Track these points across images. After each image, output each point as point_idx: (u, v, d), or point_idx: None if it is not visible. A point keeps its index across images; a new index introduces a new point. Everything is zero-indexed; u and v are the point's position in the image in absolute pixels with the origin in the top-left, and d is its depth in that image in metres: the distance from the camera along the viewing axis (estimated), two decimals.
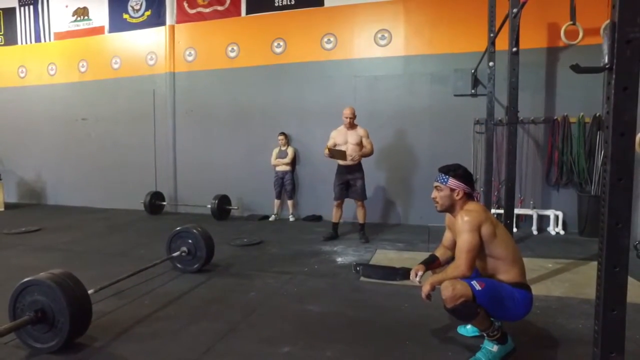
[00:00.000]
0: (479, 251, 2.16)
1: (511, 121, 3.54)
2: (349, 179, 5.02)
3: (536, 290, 3.21)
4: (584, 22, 4.75)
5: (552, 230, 5.60)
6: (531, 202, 5.78)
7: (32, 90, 8.74)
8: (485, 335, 2.15)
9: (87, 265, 3.98)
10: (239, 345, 2.40)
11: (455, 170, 2.28)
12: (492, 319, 2.12)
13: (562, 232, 5.56)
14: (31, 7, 8.62)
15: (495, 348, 2.13)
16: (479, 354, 2.16)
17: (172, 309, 2.95)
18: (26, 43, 8.78)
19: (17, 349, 2.31)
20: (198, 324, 2.69)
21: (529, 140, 5.83)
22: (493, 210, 5.68)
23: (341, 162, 5.01)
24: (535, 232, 5.59)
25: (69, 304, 2.21)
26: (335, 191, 5.12)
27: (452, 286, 2.02)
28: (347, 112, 5.01)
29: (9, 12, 8.81)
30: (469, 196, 2.29)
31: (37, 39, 8.66)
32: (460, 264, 2.12)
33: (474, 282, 2.06)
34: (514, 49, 3.39)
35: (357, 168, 5.00)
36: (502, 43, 4.17)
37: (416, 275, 2.34)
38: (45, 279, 2.25)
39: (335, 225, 5.26)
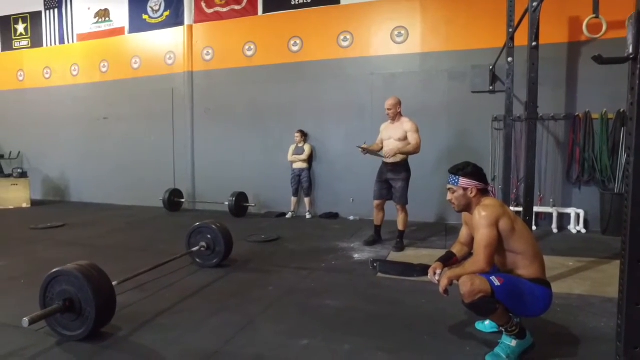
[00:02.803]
0: (498, 246, 2.15)
1: (530, 117, 3.49)
2: (389, 179, 4.51)
3: (557, 288, 3.17)
4: (608, 15, 4.63)
5: (573, 228, 5.50)
6: (551, 200, 5.68)
7: (56, 90, 9.00)
8: (503, 330, 2.14)
9: (110, 259, 4.08)
10: (259, 337, 2.44)
11: (465, 169, 2.27)
12: (510, 314, 2.11)
13: (583, 231, 5.45)
14: (56, 10, 8.88)
15: (513, 343, 2.12)
16: (497, 349, 2.14)
17: (192, 302, 3.01)
18: (51, 45, 9.04)
19: (48, 336, 2.40)
20: (218, 316, 2.74)
21: (549, 137, 5.73)
22: (512, 208, 5.59)
23: (384, 159, 4.57)
24: (555, 231, 5.50)
25: (95, 294, 2.28)
26: (374, 190, 4.66)
27: (470, 281, 2.02)
28: (386, 103, 4.47)
29: (36, 16, 9.09)
30: (483, 192, 2.28)
31: (61, 41, 8.91)
32: (478, 259, 2.11)
33: (492, 278, 2.05)
34: (534, 44, 3.34)
35: (400, 167, 4.44)
36: (521, 38, 4.12)
37: (435, 273, 2.33)
38: (72, 270, 2.33)
39: (377, 229, 4.78)
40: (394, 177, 4.49)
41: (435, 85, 6.22)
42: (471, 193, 2.25)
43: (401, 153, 4.33)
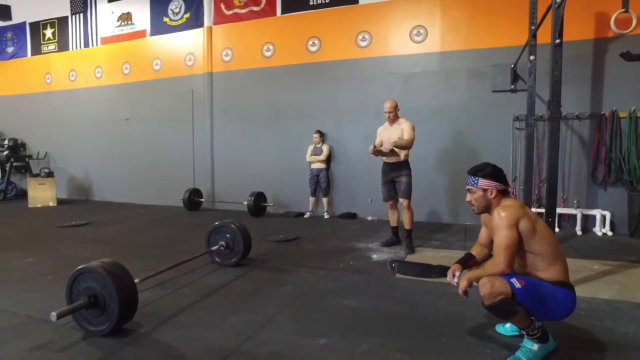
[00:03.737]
0: (518, 247, 2.11)
1: (553, 116, 3.41)
2: (394, 177, 4.57)
3: (580, 291, 3.09)
4: (638, 9, 4.47)
5: (598, 230, 5.34)
6: (575, 201, 5.54)
7: (81, 92, 9.27)
8: (525, 333, 2.10)
9: (132, 256, 4.17)
10: (277, 336, 2.46)
11: (484, 170, 2.24)
12: (532, 318, 2.07)
13: (609, 233, 5.29)
14: (81, 15, 9.15)
15: (535, 347, 2.07)
16: (518, 353, 2.10)
17: (211, 300, 3.05)
18: (76, 48, 9.32)
19: (74, 331, 2.48)
20: (237, 314, 2.77)
21: (573, 137, 5.59)
22: (533, 209, 5.48)
23: (384, 159, 4.63)
24: (579, 233, 5.35)
25: (118, 291, 2.34)
26: (382, 191, 4.70)
27: (490, 283, 1.98)
28: (386, 105, 4.55)
29: (62, 21, 9.40)
30: (503, 193, 2.24)
31: (86, 44, 9.18)
32: (499, 261, 2.07)
33: (513, 280, 2.01)
34: (557, 41, 3.26)
35: (401, 165, 4.52)
36: (544, 36, 4.02)
37: (454, 275, 2.29)
38: (97, 267, 2.39)
39: (394, 230, 4.79)
40: (397, 174, 4.54)
41: (455, 84, 6.14)
42: (491, 194, 2.21)
43: (396, 146, 4.35)
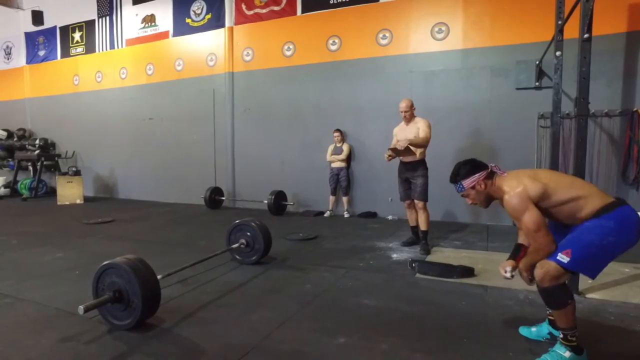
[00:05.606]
0: (544, 217, 2.03)
1: (581, 113, 3.30)
2: (409, 177, 4.51)
3: (611, 295, 3.01)
4: None
5: None
6: None
7: (107, 93, 9.53)
8: (561, 337, 2.02)
9: (155, 253, 4.26)
10: (296, 333, 2.46)
11: (459, 173, 2.24)
12: (575, 324, 1.99)
13: None
14: (107, 17, 9.40)
15: (567, 354, 1.99)
16: (547, 356, 2.03)
17: (232, 297, 3.09)
18: (102, 50, 9.58)
19: (100, 324, 2.56)
20: (257, 312, 2.80)
21: (602, 135, 5.40)
22: None
23: (401, 158, 4.55)
24: None
25: (141, 287, 2.40)
26: (399, 192, 4.67)
27: (541, 267, 1.96)
28: (401, 105, 4.50)
29: (90, 24, 9.69)
30: (491, 176, 2.20)
31: (112, 46, 9.43)
32: (539, 246, 2.00)
33: (559, 257, 1.92)
34: (586, 36, 3.15)
35: (417, 165, 4.45)
36: (572, 30, 3.90)
37: (505, 271, 2.22)
38: (121, 263, 2.46)
39: (414, 229, 4.73)
40: (413, 174, 4.47)
41: (478, 82, 6.02)
42: (481, 186, 2.19)
43: (411, 144, 4.26)
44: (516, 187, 2.06)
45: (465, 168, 2.22)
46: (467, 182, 2.20)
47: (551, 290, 1.93)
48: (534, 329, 2.37)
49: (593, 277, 1.98)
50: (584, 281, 3.11)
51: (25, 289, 3.27)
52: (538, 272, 1.96)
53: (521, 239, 2.37)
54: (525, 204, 2.01)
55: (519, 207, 2.02)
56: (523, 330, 2.40)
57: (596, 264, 1.94)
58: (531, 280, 2.07)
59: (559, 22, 4.40)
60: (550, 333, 2.30)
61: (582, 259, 1.91)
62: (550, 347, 2.12)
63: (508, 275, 2.19)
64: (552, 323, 2.30)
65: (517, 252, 2.31)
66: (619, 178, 5.34)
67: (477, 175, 2.18)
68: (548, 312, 2.31)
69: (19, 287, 3.32)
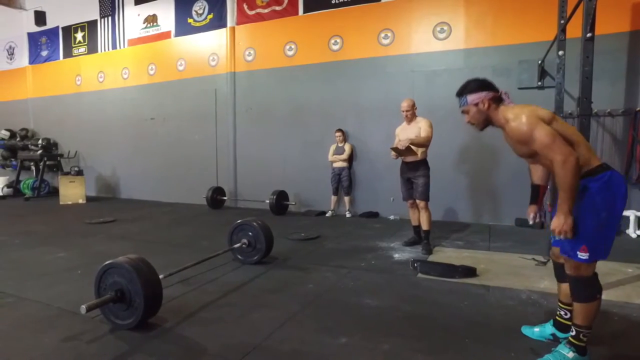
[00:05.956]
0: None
1: (584, 113, 3.29)
2: (410, 177, 4.52)
3: (613, 295, 3.00)
4: None
5: (632, 232, 5.13)
6: None
7: (109, 93, 9.55)
8: (573, 335, 2.00)
9: (156, 253, 4.26)
10: (298, 333, 2.46)
11: (468, 87, 2.14)
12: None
13: None
14: (109, 18, 9.42)
15: (570, 355, 1.97)
16: (549, 356, 2.02)
17: (234, 297, 3.09)
18: (105, 51, 9.60)
19: (102, 324, 2.56)
20: (258, 311, 2.80)
21: (604, 134, 5.38)
22: None
23: (402, 158, 4.57)
24: None
25: (143, 287, 2.40)
26: (402, 191, 4.67)
27: (570, 264, 1.98)
28: (403, 104, 4.51)
29: (92, 24, 9.71)
30: (497, 100, 2.11)
31: (114, 46, 9.44)
32: (559, 157, 1.80)
33: (579, 255, 1.91)
34: (589, 35, 3.15)
35: (418, 165, 4.46)
36: (574, 30, 3.88)
37: (530, 217, 2.26)
38: (123, 263, 2.46)
39: (416, 229, 4.74)
40: (414, 174, 4.48)
41: None
42: (484, 106, 2.09)
43: (412, 144, 4.29)
44: (521, 112, 1.98)
45: (475, 83, 2.13)
46: (471, 97, 2.11)
47: (581, 281, 1.93)
48: (536, 329, 2.35)
49: (607, 255, 1.96)
50: None
51: (28, 288, 3.28)
52: (567, 268, 2.00)
53: (535, 178, 2.32)
54: (535, 121, 1.91)
55: (528, 126, 1.91)
56: (525, 330, 2.39)
57: (608, 242, 1.94)
58: (569, 232, 1.89)
59: (562, 22, 4.39)
60: (553, 334, 2.28)
61: (597, 242, 1.90)
62: (553, 347, 2.11)
63: (531, 221, 2.22)
64: (557, 324, 2.29)
65: (537, 194, 2.28)
66: None
67: (484, 93, 2.09)
68: (558, 313, 2.30)
69: (21, 286, 3.32)
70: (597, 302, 1.94)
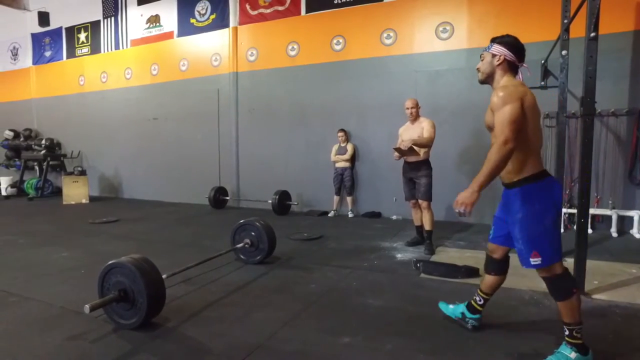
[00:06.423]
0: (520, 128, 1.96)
1: (587, 112, 3.27)
2: (413, 177, 4.53)
3: (618, 296, 2.99)
4: None
5: (636, 232, 5.11)
6: (610, 202, 5.31)
7: (112, 93, 9.58)
8: (567, 334, 2.00)
9: (159, 253, 4.28)
10: (301, 333, 2.46)
11: (503, 38, 2.15)
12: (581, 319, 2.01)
13: None
14: (112, 18, 9.45)
15: (573, 355, 1.97)
16: (552, 357, 2.01)
17: (236, 297, 3.09)
18: (108, 51, 9.63)
19: (106, 323, 2.57)
20: (261, 311, 2.80)
21: (608, 134, 5.36)
22: (565, 210, 5.30)
23: (405, 158, 4.57)
24: (614, 235, 5.13)
25: (146, 286, 2.41)
26: (404, 191, 4.68)
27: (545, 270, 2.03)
28: (407, 103, 4.53)
29: (95, 25, 9.74)
30: (511, 66, 2.12)
31: (117, 47, 9.47)
32: (502, 138, 1.87)
33: (532, 262, 1.99)
34: (592, 35, 3.13)
35: (421, 165, 4.46)
36: (578, 29, 3.87)
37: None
38: (126, 263, 2.47)
39: (418, 229, 4.73)
40: (417, 174, 4.48)
41: None
42: (498, 61, 2.11)
43: (415, 144, 4.30)
44: (512, 87, 2.00)
45: (510, 40, 2.12)
46: (496, 48, 2.12)
47: (553, 280, 1.99)
48: (451, 306, 2.54)
49: (560, 256, 2.03)
50: (590, 282, 3.10)
51: (32, 287, 3.29)
52: (538, 272, 2.05)
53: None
54: (513, 99, 1.93)
55: (505, 98, 1.94)
56: (442, 305, 2.60)
57: (555, 243, 2.01)
58: (468, 212, 1.94)
59: (565, 21, 4.38)
60: (462, 313, 2.47)
61: (548, 249, 1.97)
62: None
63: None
64: (469, 307, 2.45)
65: None
66: (626, 178, 5.30)
67: (507, 51, 2.10)
68: (474, 298, 2.46)
69: (25, 285, 3.34)
70: (575, 296, 1.98)
